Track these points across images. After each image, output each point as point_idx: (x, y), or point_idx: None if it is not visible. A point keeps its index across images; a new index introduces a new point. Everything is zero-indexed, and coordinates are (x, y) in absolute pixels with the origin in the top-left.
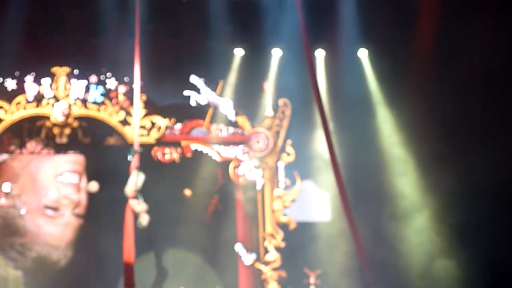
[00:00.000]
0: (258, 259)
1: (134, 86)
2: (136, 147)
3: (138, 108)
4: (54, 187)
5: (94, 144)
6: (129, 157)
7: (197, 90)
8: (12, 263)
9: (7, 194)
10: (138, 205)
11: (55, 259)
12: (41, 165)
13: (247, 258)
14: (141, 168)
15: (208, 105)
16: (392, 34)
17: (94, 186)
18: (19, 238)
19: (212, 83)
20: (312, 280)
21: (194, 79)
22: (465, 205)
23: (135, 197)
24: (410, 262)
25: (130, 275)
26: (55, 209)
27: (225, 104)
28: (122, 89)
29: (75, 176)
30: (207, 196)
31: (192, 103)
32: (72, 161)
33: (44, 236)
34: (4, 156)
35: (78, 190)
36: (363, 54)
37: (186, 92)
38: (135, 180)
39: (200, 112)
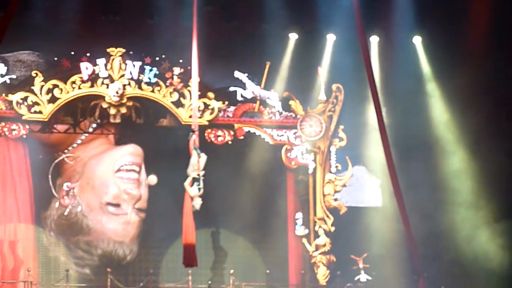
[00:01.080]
0: (308, 240)
1: (190, 67)
2: (194, 127)
3: (195, 89)
4: (114, 183)
5: (147, 125)
6: (189, 136)
7: (242, 85)
8: (79, 261)
9: (67, 193)
10: (192, 189)
11: (121, 255)
12: (99, 161)
13: (300, 229)
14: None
15: (254, 98)
16: (447, 20)
17: (153, 179)
18: (84, 236)
19: (259, 74)
20: (360, 265)
21: (238, 74)
22: None
23: (195, 181)
24: (459, 243)
25: (190, 255)
26: (116, 205)
27: (271, 96)
28: (176, 70)
29: (135, 168)
30: (259, 178)
31: (238, 97)
32: (130, 153)
33: (108, 233)
34: (62, 156)
35: (139, 185)
36: (417, 40)
37: (232, 88)
38: (196, 160)
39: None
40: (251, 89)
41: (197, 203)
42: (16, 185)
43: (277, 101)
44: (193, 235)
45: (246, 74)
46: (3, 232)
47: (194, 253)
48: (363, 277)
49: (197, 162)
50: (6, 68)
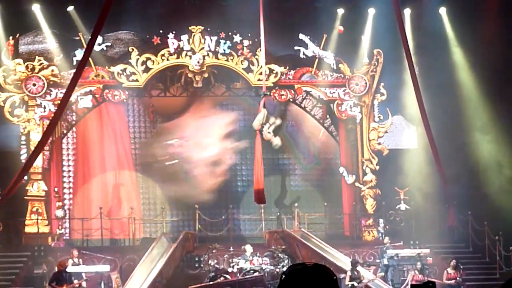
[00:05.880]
0: (357, 180)
1: (258, 40)
2: (264, 90)
3: (263, 57)
4: (218, 146)
5: (225, 88)
6: (261, 97)
7: (305, 45)
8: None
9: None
10: (268, 134)
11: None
12: (205, 124)
13: (349, 179)
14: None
15: (314, 57)
16: None
17: (277, 140)
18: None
19: (317, 39)
20: (401, 196)
21: (302, 36)
22: None
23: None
24: (485, 177)
25: (260, 196)
26: (214, 163)
27: (328, 56)
28: (246, 42)
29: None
30: (317, 128)
31: (301, 56)
32: (232, 121)
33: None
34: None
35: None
36: (443, 11)
37: (296, 47)
38: (262, 116)
39: (308, 61)
40: (312, 49)
41: (277, 141)
42: (119, 140)
43: (332, 60)
44: (262, 181)
45: (309, 37)
46: (108, 177)
47: (263, 194)
48: (402, 206)
49: (262, 118)
50: (101, 37)
